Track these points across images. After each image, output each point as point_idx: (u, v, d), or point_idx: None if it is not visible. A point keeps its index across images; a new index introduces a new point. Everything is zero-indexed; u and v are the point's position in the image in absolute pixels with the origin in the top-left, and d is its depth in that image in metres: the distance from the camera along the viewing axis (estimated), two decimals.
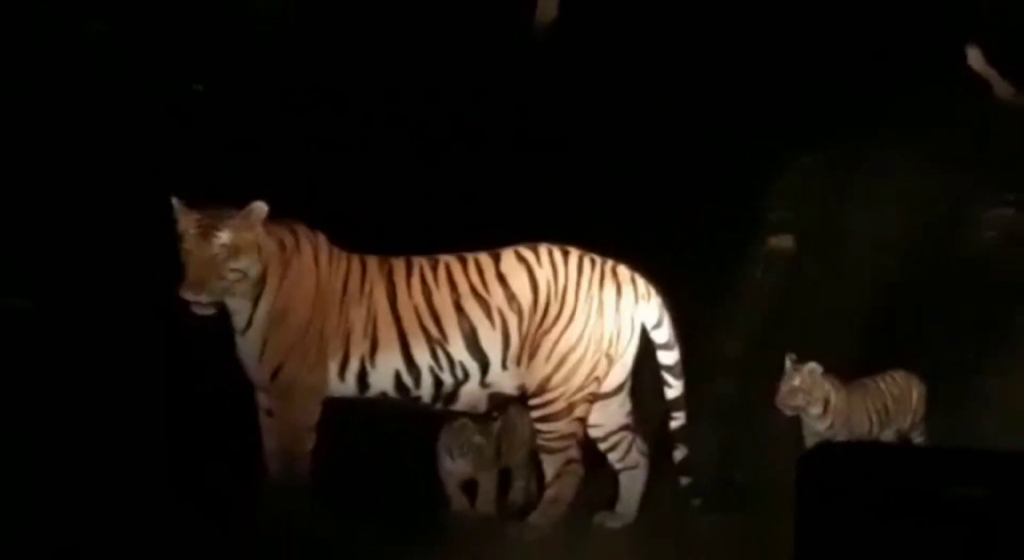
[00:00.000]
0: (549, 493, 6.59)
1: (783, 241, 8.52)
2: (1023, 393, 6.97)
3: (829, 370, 6.85)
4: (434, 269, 6.58)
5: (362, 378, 6.52)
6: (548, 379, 6.52)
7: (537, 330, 6.53)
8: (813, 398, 6.77)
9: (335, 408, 6.59)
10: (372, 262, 6.61)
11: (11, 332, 6.88)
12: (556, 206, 8.04)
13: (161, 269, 6.63)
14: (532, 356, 6.53)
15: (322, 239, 6.57)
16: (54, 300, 7.21)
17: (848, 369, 7.01)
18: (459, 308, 6.52)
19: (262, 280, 6.39)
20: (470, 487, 6.71)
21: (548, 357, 6.52)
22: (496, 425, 6.64)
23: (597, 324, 6.55)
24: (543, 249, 6.63)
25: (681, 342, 6.68)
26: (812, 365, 6.73)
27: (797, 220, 8.59)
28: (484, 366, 6.53)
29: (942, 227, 8.28)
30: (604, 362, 6.57)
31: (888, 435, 6.90)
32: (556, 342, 6.53)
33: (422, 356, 6.50)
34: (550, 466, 6.57)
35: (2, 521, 5.80)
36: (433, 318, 6.51)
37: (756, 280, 8.15)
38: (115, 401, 6.74)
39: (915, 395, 6.91)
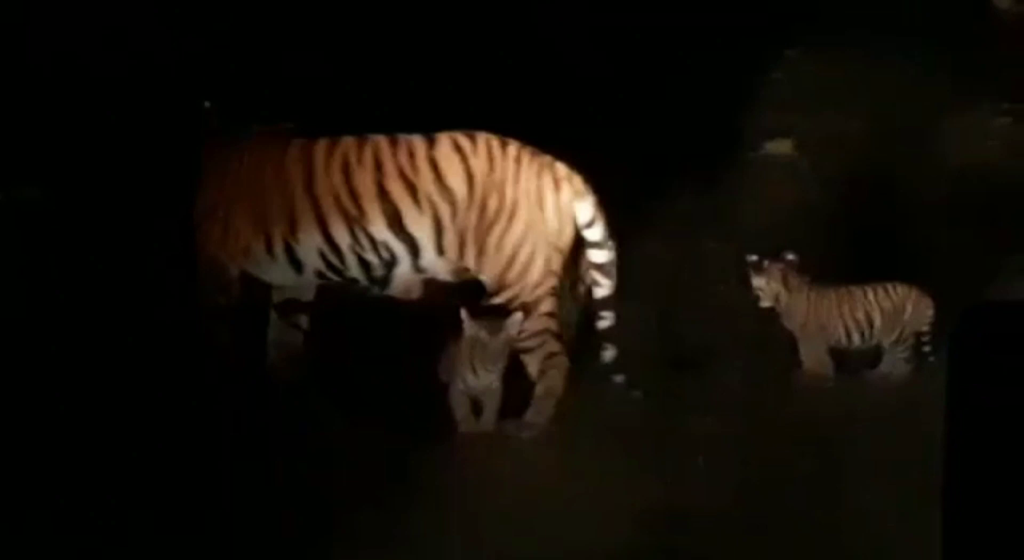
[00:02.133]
0: (538, 389, 6.56)
1: (781, 146, 8.55)
2: None
3: (805, 267, 6.95)
4: (360, 149, 6.59)
5: (291, 256, 6.60)
6: (503, 276, 6.51)
7: (479, 225, 6.50)
8: (765, 292, 6.91)
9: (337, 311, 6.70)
10: (295, 145, 6.66)
11: (10, 331, 6.87)
12: (553, 113, 8.06)
13: (156, 265, 7.00)
14: (480, 252, 6.51)
15: (260, 135, 6.74)
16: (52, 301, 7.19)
17: (848, 275, 7.06)
18: (381, 188, 6.52)
19: None
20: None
21: (496, 254, 6.51)
22: (507, 325, 6.49)
23: (539, 217, 6.52)
24: (481, 138, 6.59)
25: (617, 241, 6.63)
26: (757, 258, 6.90)
27: (796, 125, 8.60)
28: (414, 250, 6.52)
29: (943, 135, 8.30)
30: (557, 256, 6.56)
31: (887, 344, 6.95)
32: (502, 238, 6.51)
33: (341, 236, 6.53)
34: (532, 364, 6.56)
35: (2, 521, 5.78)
36: (352, 198, 6.53)
37: (754, 185, 8.18)
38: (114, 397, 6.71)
39: (910, 309, 6.92)
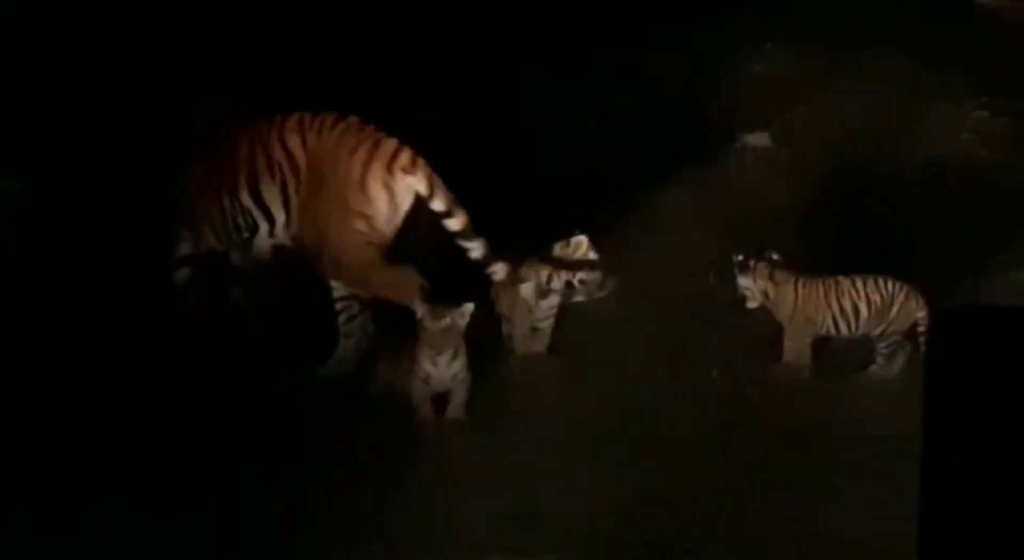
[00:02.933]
0: None
1: (760, 138, 8.54)
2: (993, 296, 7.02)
3: (790, 265, 6.94)
4: (255, 124, 6.95)
5: (211, 222, 7.04)
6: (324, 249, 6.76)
7: (308, 194, 6.81)
8: (752, 291, 6.90)
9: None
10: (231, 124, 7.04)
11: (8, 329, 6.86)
12: (534, 107, 8.06)
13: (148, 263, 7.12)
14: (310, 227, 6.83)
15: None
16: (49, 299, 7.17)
17: (827, 266, 7.06)
18: (251, 158, 6.89)
19: None
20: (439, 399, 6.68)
21: (315, 222, 6.77)
22: (452, 314, 6.55)
23: (348, 189, 6.71)
24: (323, 115, 6.88)
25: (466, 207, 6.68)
26: (743, 258, 6.90)
27: (774, 117, 8.59)
28: (270, 220, 6.89)
29: (921, 128, 8.32)
30: (362, 223, 6.69)
31: (872, 337, 6.95)
32: (316, 208, 6.78)
33: (228, 204, 6.95)
34: None
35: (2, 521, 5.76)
36: (232, 168, 6.93)
37: (732, 178, 8.17)
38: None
39: (897, 308, 6.91)
